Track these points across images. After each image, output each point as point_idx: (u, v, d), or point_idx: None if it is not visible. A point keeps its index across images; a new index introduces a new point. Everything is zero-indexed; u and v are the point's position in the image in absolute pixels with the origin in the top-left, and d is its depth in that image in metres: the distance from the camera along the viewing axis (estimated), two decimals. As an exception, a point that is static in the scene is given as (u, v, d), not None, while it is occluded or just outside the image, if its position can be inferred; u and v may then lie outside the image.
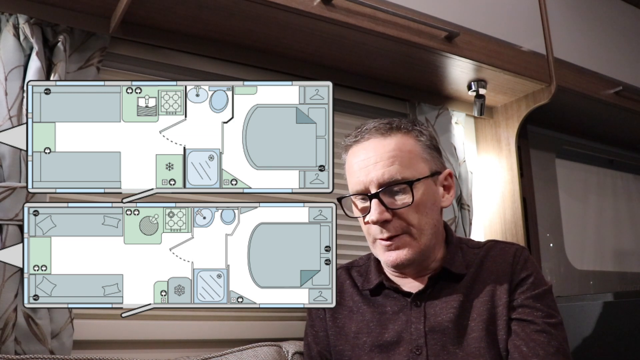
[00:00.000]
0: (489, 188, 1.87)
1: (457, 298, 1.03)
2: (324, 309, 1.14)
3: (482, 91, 1.70)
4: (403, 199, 1.02)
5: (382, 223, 1.01)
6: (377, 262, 1.13)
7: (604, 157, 2.38)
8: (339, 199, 1.07)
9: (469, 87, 1.71)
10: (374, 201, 1.01)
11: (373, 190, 1.02)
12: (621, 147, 2.40)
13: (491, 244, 1.11)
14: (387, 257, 1.03)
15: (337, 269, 1.19)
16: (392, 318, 1.05)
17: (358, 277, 1.15)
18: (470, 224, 1.73)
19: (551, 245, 2.06)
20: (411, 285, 1.07)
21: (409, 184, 1.01)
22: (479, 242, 1.14)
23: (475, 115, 1.75)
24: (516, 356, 0.97)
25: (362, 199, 1.05)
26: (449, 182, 1.10)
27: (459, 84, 1.71)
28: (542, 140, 2.11)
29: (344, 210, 1.07)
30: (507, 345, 0.99)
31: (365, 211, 1.04)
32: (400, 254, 1.02)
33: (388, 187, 1.01)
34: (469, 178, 1.78)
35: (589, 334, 1.43)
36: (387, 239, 1.02)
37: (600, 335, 1.42)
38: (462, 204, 1.73)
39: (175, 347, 1.33)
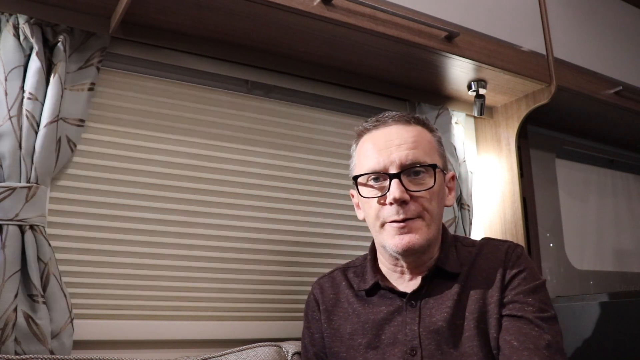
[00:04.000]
0: (489, 188, 1.87)
1: (451, 297, 1.03)
2: (319, 310, 1.14)
3: (482, 91, 1.70)
4: (424, 182, 1.04)
5: (400, 203, 1.01)
6: (374, 262, 1.13)
7: (604, 157, 2.38)
8: (355, 177, 1.08)
9: (469, 87, 1.71)
10: (395, 181, 1.02)
11: (394, 171, 1.03)
12: (621, 147, 2.40)
13: (484, 241, 1.11)
14: (399, 241, 1.02)
15: (333, 270, 1.19)
16: (387, 319, 1.05)
17: (354, 277, 1.15)
18: (470, 224, 1.73)
19: (551, 245, 2.06)
20: (406, 285, 1.07)
21: (432, 167, 1.04)
22: (473, 241, 1.14)
23: (475, 115, 1.75)
24: (507, 352, 0.95)
25: (376, 178, 1.05)
26: (452, 184, 1.13)
27: (459, 84, 1.71)
28: (542, 140, 2.11)
29: (357, 189, 1.08)
30: (498, 343, 0.97)
31: (377, 193, 1.04)
32: (413, 238, 1.02)
33: (408, 170, 1.03)
34: (469, 178, 1.78)
35: (589, 334, 1.43)
36: (402, 221, 1.02)
37: (601, 335, 1.42)
38: (462, 204, 1.73)
39: (175, 347, 1.33)
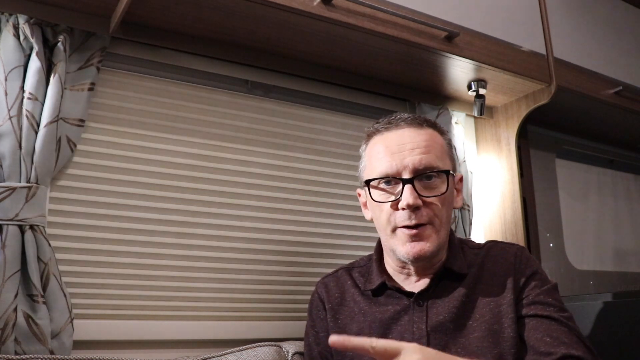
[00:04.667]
0: (489, 188, 1.87)
1: (458, 298, 1.03)
2: (325, 309, 1.14)
3: (482, 91, 1.69)
4: (436, 187, 1.04)
5: (413, 209, 1.01)
6: (379, 262, 1.13)
7: (604, 157, 2.38)
8: (368, 181, 1.07)
9: (469, 87, 1.71)
10: (408, 186, 1.01)
11: (407, 176, 1.02)
12: (621, 147, 2.40)
13: (491, 244, 1.12)
14: (411, 248, 1.02)
15: (337, 270, 1.19)
16: (394, 318, 1.05)
17: (359, 277, 1.15)
18: (470, 224, 1.73)
19: (551, 245, 2.06)
20: (413, 286, 1.08)
21: (446, 173, 1.04)
22: (479, 244, 1.15)
23: (475, 115, 1.75)
24: (543, 348, 0.96)
25: (387, 182, 1.05)
26: (459, 185, 1.13)
27: (459, 84, 1.71)
28: (542, 140, 2.11)
29: (369, 193, 1.07)
30: (514, 342, 0.99)
31: (389, 197, 1.04)
32: (425, 246, 1.02)
33: (421, 175, 1.03)
34: (469, 178, 1.78)
35: (589, 334, 1.43)
36: (414, 227, 1.02)
37: (600, 335, 1.42)
38: (462, 204, 1.73)
39: (175, 347, 1.33)
